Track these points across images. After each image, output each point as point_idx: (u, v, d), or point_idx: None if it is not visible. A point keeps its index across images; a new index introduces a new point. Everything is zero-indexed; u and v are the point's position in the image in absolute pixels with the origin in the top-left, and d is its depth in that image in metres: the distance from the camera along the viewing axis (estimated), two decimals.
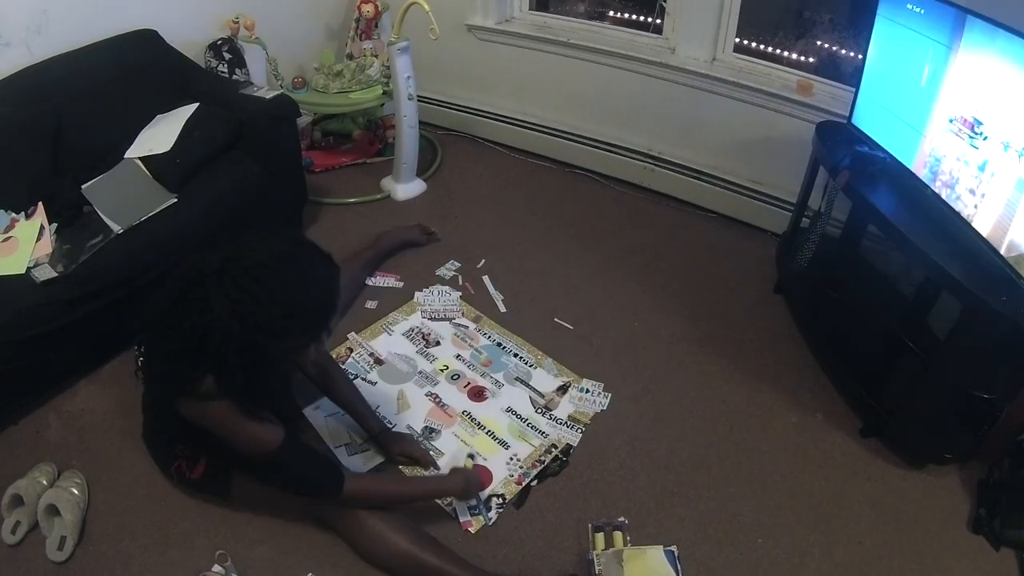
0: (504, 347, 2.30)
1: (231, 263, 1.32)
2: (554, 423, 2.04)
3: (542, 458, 1.93)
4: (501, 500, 1.81)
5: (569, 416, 2.06)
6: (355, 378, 2.14)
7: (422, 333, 2.37)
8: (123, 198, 2.23)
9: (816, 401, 2.16)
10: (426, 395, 2.14)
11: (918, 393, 1.88)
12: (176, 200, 2.28)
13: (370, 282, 2.58)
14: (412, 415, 2.06)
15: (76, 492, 1.73)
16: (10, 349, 1.84)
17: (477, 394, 2.14)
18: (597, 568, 1.63)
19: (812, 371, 2.28)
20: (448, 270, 2.66)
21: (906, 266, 2.34)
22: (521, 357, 2.26)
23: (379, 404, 2.05)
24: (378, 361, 2.26)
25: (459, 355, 2.28)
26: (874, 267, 2.43)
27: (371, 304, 2.47)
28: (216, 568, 1.63)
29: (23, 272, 1.97)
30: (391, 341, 2.34)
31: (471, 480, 1.76)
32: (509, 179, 3.32)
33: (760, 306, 2.55)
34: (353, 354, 2.28)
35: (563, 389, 2.14)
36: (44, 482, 1.75)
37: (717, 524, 1.79)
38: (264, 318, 1.29)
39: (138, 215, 2.19)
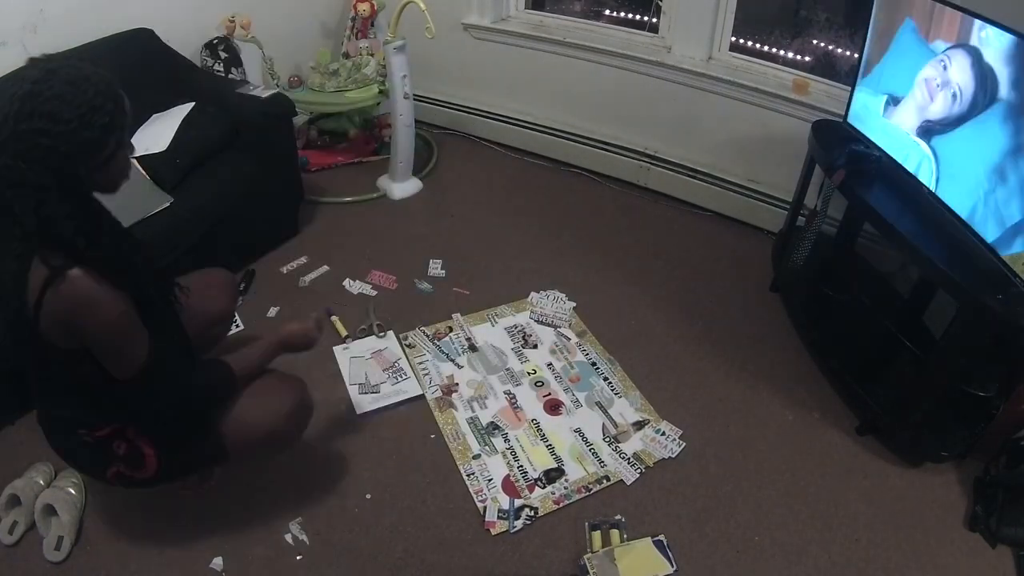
0: (598, 368, 2.23)
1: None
2: (617, 456, 1.94)
3: (590, 486, 1.85)
4: (533, 513, 1.77)
5: (634, 453, 1.95)
6: (446, 358, 2.24)
7: (524, 333, 2.37)
8: (118, 198, 2.21)
9: (813, 399, 2.17)
10: (504, 393, 2.14)
11: (914, 391, 1.88)
12: (172, 200, 2.27)
13: (362, 279, 2.58)
14: (483, 409, 2.07)
15: (73, 492, 1.73)
16: (7, 349, 1.83)
17: (553, 407, 2.09)
18: (591, 572, 1.63)
19: (808, 369, 2.28)
20: (443, 268, 2.66)
21: (902, 264, 2.35)
22: (610, 383, 2.18)
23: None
24: (472, 347, 2.30)
25: (551, 364, 2.25)
26: (870, 265, 2.44)
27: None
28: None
29: None
30: (492, 332, 2.38)
31: (294, 334, 1.63)
32: (505, 178, 3.33)
33: (756, 304, 2.56)
34: (451, 334, 2.35)
35: (639, 425, 2.04)
36: (41, 482, 1.75)
37: (714, 522, 1.79)
38: (54, 139, 1.17)
39: (134, 215, 2.17)
